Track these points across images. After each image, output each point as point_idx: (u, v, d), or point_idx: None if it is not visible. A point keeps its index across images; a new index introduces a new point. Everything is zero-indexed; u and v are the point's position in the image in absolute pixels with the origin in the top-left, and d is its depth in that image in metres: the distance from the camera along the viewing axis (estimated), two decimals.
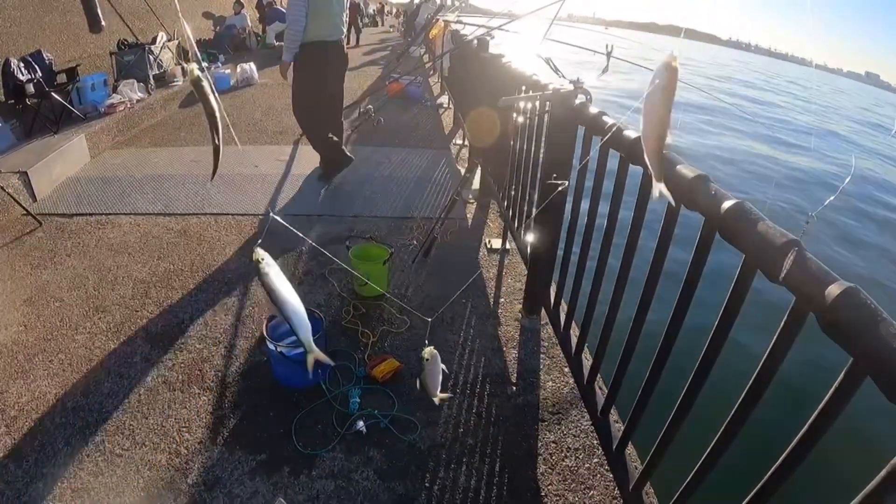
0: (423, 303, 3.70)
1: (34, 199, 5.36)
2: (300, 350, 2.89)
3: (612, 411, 2.44)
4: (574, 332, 2.89)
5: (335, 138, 5.56)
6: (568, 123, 2.78)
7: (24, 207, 4.93)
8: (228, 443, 2.80)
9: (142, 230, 4.81)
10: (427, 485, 2.55)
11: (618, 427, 2.42)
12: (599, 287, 2.49)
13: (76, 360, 3.38)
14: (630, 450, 2.33)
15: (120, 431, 2.91)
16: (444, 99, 8.02)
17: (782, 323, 1.29)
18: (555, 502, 2.45)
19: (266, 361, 3.25)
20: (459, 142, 6.33)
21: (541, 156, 3.26)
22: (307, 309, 3.11)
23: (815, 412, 1.19)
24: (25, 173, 5.32)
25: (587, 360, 2.72)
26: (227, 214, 4.97)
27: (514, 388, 3.02)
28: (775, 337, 1.31)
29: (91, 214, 5.11)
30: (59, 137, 6.22)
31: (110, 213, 5.14)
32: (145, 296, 3.91)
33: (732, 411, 1.47)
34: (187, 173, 5.95)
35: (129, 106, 7.45)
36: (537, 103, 3.27)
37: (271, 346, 2.96)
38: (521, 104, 3.60)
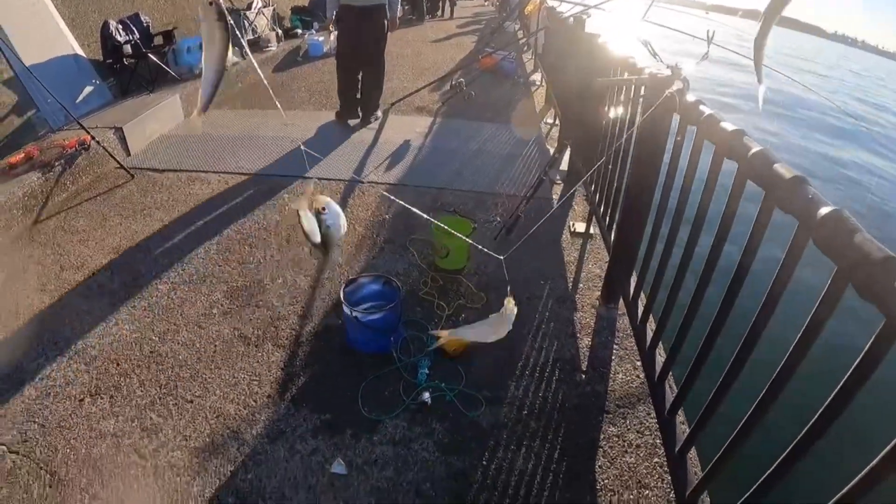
0: (502, 281, 3.68)
1: (128, 153, 5.66)
2: (376, 317, 2.94)
3: (679, 412, 2.38)
4: (650, 326, 2.82)
5: (361, 96, 6.27)
6: (662, 110, 2.69)
7: (118, 161, 5.22)
8: (296, 400, 2.91)
9: (230, 188, 5.00)
10: (484, 463, 2.57)
11: (683, 429, 2.36)
12: (681, 283, 2.41)
13: (157, 307, 3.57)
14: (693, 454, 2.27)
15: (193, 379, 3.06)
16: (537, 76, 7.89)
17: (870, 341, 1.22)
18: (609, 497, 2.43)
19: (340, 325, 3.34)
20: (550, 121, 6.23)
21: (632, 142, 3.17)
22: (385, 276, 3.16)
23: None
24: (121, 129, 5.60)
25: (660, 356, 2.65)
26: (315, 178, 5.08)
27: (584, 375, 2.99)
28: (861, 356, 1.24)
29: (181, 171, 5.35)
30: (154, 97, 6.51)
31: (200, 171, 5.36)
32: (228, 251, 4.07)
33: (805, 430, 1.41)
34: (277, 135, 6.10)
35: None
36: (633, 87, 3.18)
37: (346, 310, 3.02)
38: (616, 87, 3.51)
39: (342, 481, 2.51)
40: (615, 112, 3.58)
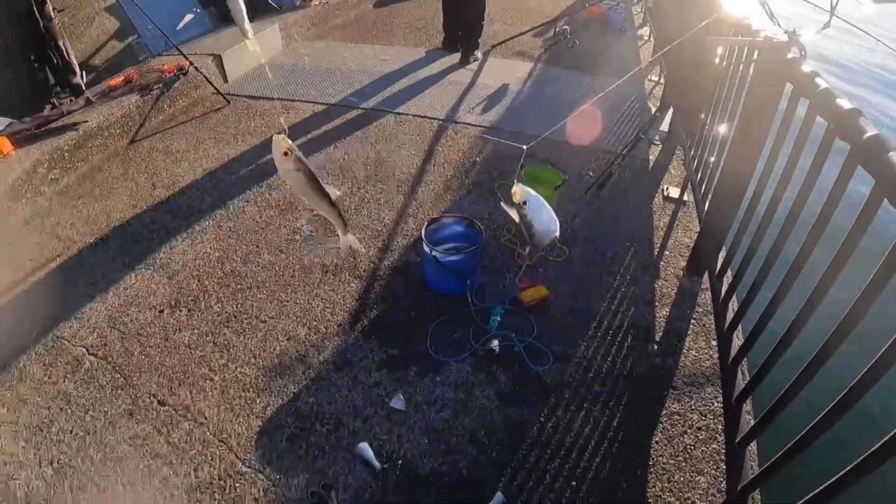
0: (586, 237, 3.62)
1: (225, 80, 5.77)
2: (455, 258, 2.95)
3: (747, 402, 2.30)
4: (732, 306, 2.72)
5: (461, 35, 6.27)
6: (775, 78, 2.50)
7: (214, 87, 5.35)
8: (366, 331, 2.98)
9: (322, 119, 5.06)
10: (542, 419, 2.57)
11: (748, 420, 2.28)
12: (771, 267, 2.28)
13: (242, 229, 3.71)
14: (752, 448, 2.21)
15: (269, 300, 3.18)
16: (646, 31, 7.52)
17: None
18: (659, 475, 2.39)
19: (419, 263, 3.36)
20: (655, 78, 5.97)
21: (738, 109, 3.00)
22: (468, 219, 3.11)
23: None
24: (219, 56, 5.71)
25: (737, 340, 2.56)
26: (408, 115, 5.06)
27: (656, 346, 2.92)
28: None
29: (276, 99, 5.43)
30: (254, 25, 6.53)
31: (294, 100, 5.43)
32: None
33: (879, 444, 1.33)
34: (373, 70, 6.08)
35: (324, 1, 7.62)
36: (745, 50, 2.99)
37: (426, 249, 3.04)
38: (727, 48, 3.31)
39: (399, 416, 2.58)
40: (723, 75, 3.38)
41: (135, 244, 3.64)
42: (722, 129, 3.25)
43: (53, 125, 4.48)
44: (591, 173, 4.23)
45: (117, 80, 5.14)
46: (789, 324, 1.91)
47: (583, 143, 4.69)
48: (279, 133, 1.85)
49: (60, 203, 4.10)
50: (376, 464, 2.40)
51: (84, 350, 3.00)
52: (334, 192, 2.06)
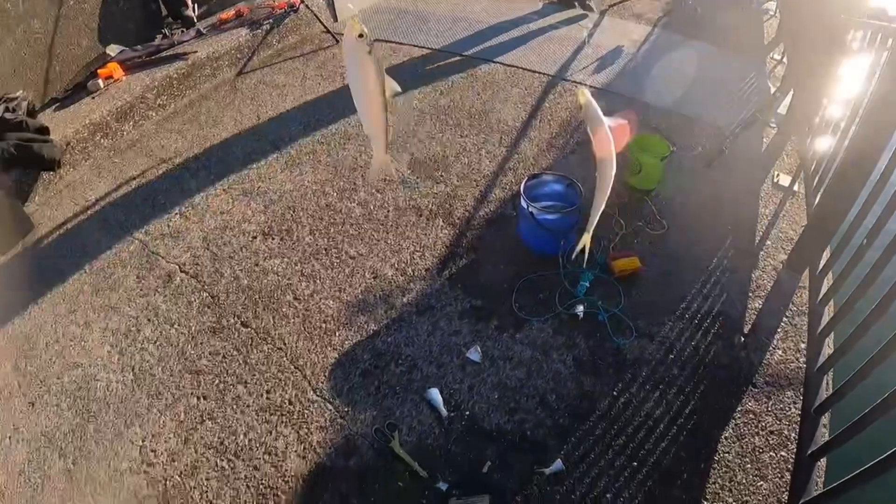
0: (688, 214, 3.50)
1: (335, 19, 5.76)
2: (552, 217, 2.95)
3: (827, 414, 2.22)
4: (829, 310, 2.61)
5: None
6: None
7: (324, 25, 5.38)
8: (452, 279, 3.03)
9: (430, 63, 5.04)
10: (615, 394, 2.57)
11: (823, 433, 2.20)
12: (878, 275, 2.16)
13: (339, 164, 3.81)
14: (822, 464, 2.14)
15: (360, 238, 3.28)
16: (772, 5, 7.04)
17: None
18: (722, 471, 2.35)
19: (514, 217, 3.37)
20: (777, 56, 5.63)
21: (865, 100, 2.81)
22: (569, 178, 3.10)
23: None
24: None
25: (828, 348, 2.46)
26: (518, 67, 4.97)
27: (742, 339, 2.82)
28: None
29: (385, 41, 5.41)
30: None
31: (403, 43, 5.40)
32: (420, 124, 4.19)
33: None
34: (485, 18, 5.91)
35: None
36: (879, 36, 2.78)
37: (524, 204, 3.02)
38: (860, 31, 3.09)
39: (473, 368, 2.64)
40: (853, 61, 3.17)
41: (235, 171, 3.80)
42: (844, 119, 3.07)
43: (164, 54, 4.70)
44: (700, 149, 4.07)
45: (228, 13, 5.30)
46: (886, 341, 1.82)
47: (694, 116, 4.51)
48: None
49: (166, 128, 4.33)
50: (444, 411, 2.47)
51: (177, 267, 3.20)
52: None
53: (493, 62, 5.04)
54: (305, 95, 4.57)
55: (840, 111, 3.15)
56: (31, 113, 3.99)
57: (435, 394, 2.50)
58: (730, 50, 5.56)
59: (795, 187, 3.75)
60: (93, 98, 4.26)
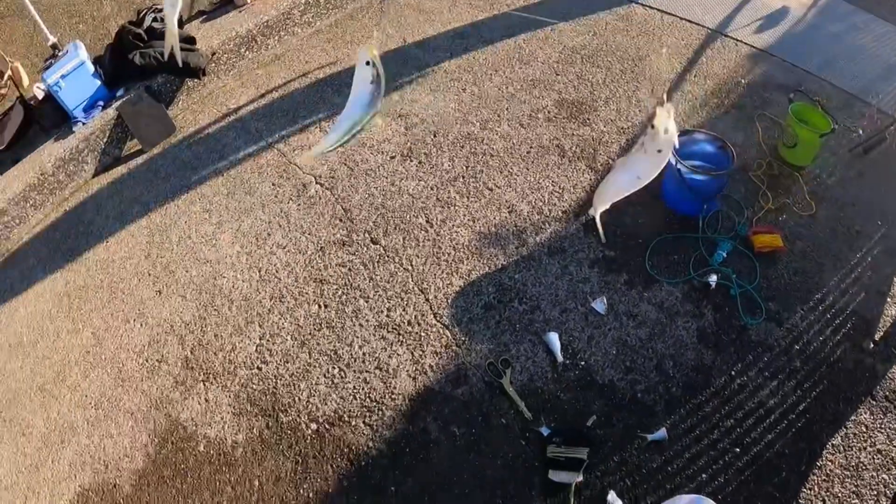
0: (838, 199, 3.29)
1: None
2: (701, 178, 2.89)
3: None
4: None
5: None
6: None
7: None
8: (588, 225, 3.01)
9: (585, 3, 4.73)
10: (732, 374, 2.54)
11: None
12: None
13: (486, 95, 3.78)
14: None
15: (499, 170, 3.29)
16: None
17: None
18: (822, 479, 2.30)
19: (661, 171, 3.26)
20: None
21: None
22: (722, 140, 3.04)
23: None
24: None
25: None
26: (674, 16, 4.70)
27: (872, 345, 2.70)
28: None
29: None
30: None
31: None
32: (569, 63, 4.06)
33: None
34: None
35: None
36: None
37: (672, 160, 2.90)
38: None
39: (596, 319, 2.67)
40: None
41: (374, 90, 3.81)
42: None
43: None
44: (860, 131, 3.81)
45: None
46: None
47: (860, 95, 4.21)
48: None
49: (311, 45, 4.36)
50: (560, 357, 2.52)
51: (312, 179, 3.31)
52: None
53: (649, 7, 4.79)
54: (453, 22, 4.47)
55: None
56: (179, 23, 4.05)
57: (554, 338, 2.55)
58: None
59: None
60: (239, 12, 4.34)
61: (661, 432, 2.33)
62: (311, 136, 3.55)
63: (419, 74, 3.97)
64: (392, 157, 3.38)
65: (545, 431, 2.32)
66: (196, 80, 4.04)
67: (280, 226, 3.10)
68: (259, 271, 2.92)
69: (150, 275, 3.02)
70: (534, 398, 2.42)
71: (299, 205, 3.18)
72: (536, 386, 2.45)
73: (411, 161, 3.35)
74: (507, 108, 3.66)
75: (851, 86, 4.23)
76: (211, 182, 3.42)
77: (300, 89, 3.94)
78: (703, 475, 2.27)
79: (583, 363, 2.51)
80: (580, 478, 2.24)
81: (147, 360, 2.71)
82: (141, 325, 2.83)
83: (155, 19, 3.90)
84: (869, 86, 4.24)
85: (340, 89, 3.86)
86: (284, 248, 3.01)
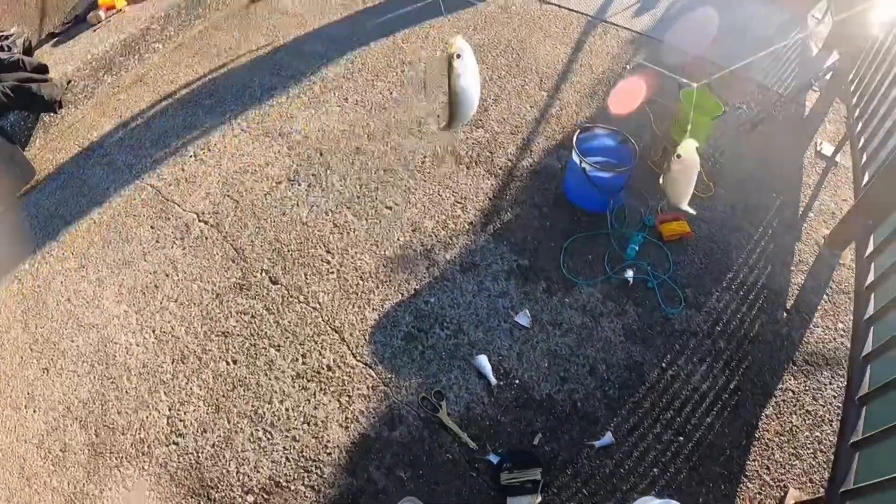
0: (733, 177, 3.46)
1: None
2: (606, 175, 2.89)
3: (871, 404, 2.25)
4: (875, 297, 2.63)
5: None
6: None
7: None
8: (497, 235, 2.98)
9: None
10: (663, 365, 2.59)
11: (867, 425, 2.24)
12: None
13: (370, 104, 3.66)
14: (865, 456, 2.16)
15: (395, 186, 3.18)
16: None
17: None
18: (762, 448, 2.40)
19: (560, 169, 3.30)
20: (818, 16, 5.50)
21: None
22: (623, 134, 3.05)
23: None
24: None
25: (871, 338, 2.48)
26: (553, 4, 4.77)
27: (785, 315, 2.85)
28: None
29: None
30: None
31: None
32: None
33: None
34: None
35: None
36: None
37: (575, 159, 2.94)
38: None
39: (522, 333, 2.63)
40: None
41: (253, 108, 3.65)
42: None
43: None
44: (744, 107, 4.00)
45: None
46: None
47: (740, 73, 4.39)
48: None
49: (175, 61, 4.12)
50: (493, 379, 2.47)
51: (195, 216, 3.08)
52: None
53: None
54: (326, 26, 4.36)
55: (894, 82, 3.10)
56: (28, 50, 3.77)
57: (483, 360, 2.50)
58: (772, 3, 5.42)
59: (838, 158, 3.72)
60: (94, 31, 4.03)
61: (608, 437, 2.34)
62: (187, 167, 3.30)
63: (296, 86, 3.81)
64: (278, 183, 3.21)
65: (494, 459, 2.27)
66: (53, 114, 3.69)
67: (167, 275, 2.86)
68: (153, 331, 2.68)
69: (32, 350, 2.71)
70: (475, 426, 2.36)
71: (185, 249, 2.95)
72: (475, 413, 2.39)
73: (299, 185, 3.20)
74: (394, 117, 3.57)
75: (731, 64, 4.39)
76: (83, 232, 3.11)
77: (168, 113, 3.69)
78: (655, 469, 2.30)
79: (517, 381, 2.48)
80: (539, 499, 2.21)
81: (49, 452, 2.43)
82: (34, 410, 2.53)
83: (1, 48, 3.53)
84: (748, 62, 4.42)
85: (211, 109, 3.66)
86: (176, 300, 2.78)
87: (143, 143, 3.51)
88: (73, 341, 2.69)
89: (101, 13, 4.07)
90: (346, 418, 2.38)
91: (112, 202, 3.21)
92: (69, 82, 3.74)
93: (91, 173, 3.40)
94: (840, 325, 2.85)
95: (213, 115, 3.61)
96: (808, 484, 2.33)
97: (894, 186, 2.75)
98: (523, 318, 2.65)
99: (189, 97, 3.79)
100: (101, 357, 2.62)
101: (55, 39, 4.04)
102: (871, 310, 2.58)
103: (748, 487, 2.30)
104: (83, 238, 3.09)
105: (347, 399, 2.43)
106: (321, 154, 3.35)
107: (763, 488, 2.30)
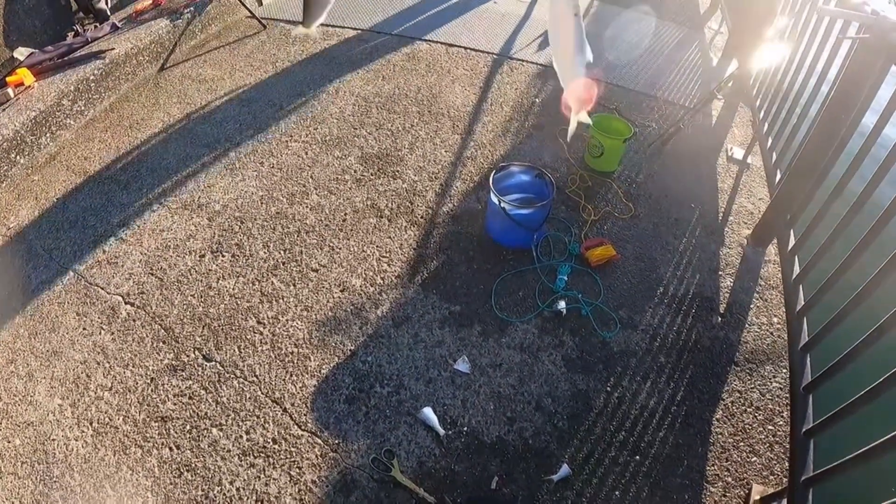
0: (651, 194, 3.60)
1: (260, 3, 5.63)
2: (526, 212, 2.95)
3: (817, 391, 2.33)
4: (803, 289, 2.74)
5: None
6: (876, 57, 2.43)
7: (249, 10, 5.23)
8: (426, 285, 3.00)
9: (369, 48, 4.94)
10: (608, 389, 2.63)
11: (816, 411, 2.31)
12: (860, 254, 2.25)
13: (286, 166, 3.68)
14: (821, 441, 2.21)
15: (319, 247, 3.19)
16: None
17: None
18: (719, 452, 2.46)
19: (481, 210, 3.37)
20: (715, 27, 5.80)
21: (825, 80, 2.95)
22: (538, 169, 3.14)
23: None
24: None
25: (805, 328, 2.58)
26: (459, 47, 4.94)
27: (720, 319, 2.96)
28: None
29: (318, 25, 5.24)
30: None
31: (337, 26, 5.27)
32: (365, 114, 4.10)
33: None
34: None
35: None
36: (838, 22, 2.88)
37: (494, 200, 3.00)
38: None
39: (463, 380, 2.63)
40: (804, 39, 3.29)
41: (170, 181, 3.62)
42: (802, 97, 3.20)
43: (78, 54, 4.41)
44: (653, 125, 4.17)
45: (144, 4, 5.05)
46: (881, 322, 1.88)
47: (645, 91, 4.60)
48: None
49: (87, 137, 4.07)
50: (440, 430, 2.46)
51: (120, 298, 3.01)
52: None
53: (435, 42, 4.99)
54: (237, 90, 4.40)
55: (795, 86, 3.27)
56: None
57: (429, 413, 2.49)
58: (668, 19, 5.68)
59: (749, 160, 3.90)
60: (3, 110, 3.94)
61: (564, 469, 2.34)
62: (108, 248, 3.22)
63: (211, 154, 3.81)
64: (202, 256, 3.16)
65: None
66: None
67: (98, 363, 2.76)
68: (90, 423, 2.58)
69: None
70: (430, 479, 2.33)
71: (113, 334, 2.86)
72: (428, 467, 2.36)
73: (223, 256, 3.16)
74: (311, 177, 3.59)
75: (636, 84, 4.62)
76: (7, 324, 2.97)
77: (84, 191, 3.61)
78: (617, 492, 2.31)
79: (465, 429, 2.47)
80: None
81: None
82: None
83: None
84: (651, 80, 4.64)
85: (128, 184, 3.60)
86: (111, 389, 2.67)
87: (62, 225, 3.42)
88: (9, 442, 2.57)
89: (10, 91, 4.00)
90: (299, 490, 2.33)
91: (34, 290, 3.08)
92: None
93: (10, 261, 3.27)
94: (775, 320, 2.96)
95: (129, 192, 3.56)
96: (771, 477, 2.39)
97: (806, 180, 2.89)
98: (462, 365, 2.66)
99: (105, 174, 3.73)
100: (41, 456, 2.51)
101: None
102: (801, 301, 2.68)
103: (711, 492, 2.33)
104: (8, 330, 2.95)
105: (298, 471, 2.37)
106: (242, 222, 3.33)
107: (727, 490, 2.35)
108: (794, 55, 3.39)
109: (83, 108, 4.22)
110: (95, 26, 4.70)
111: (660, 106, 4.39)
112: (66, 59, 4.33)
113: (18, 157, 3.83)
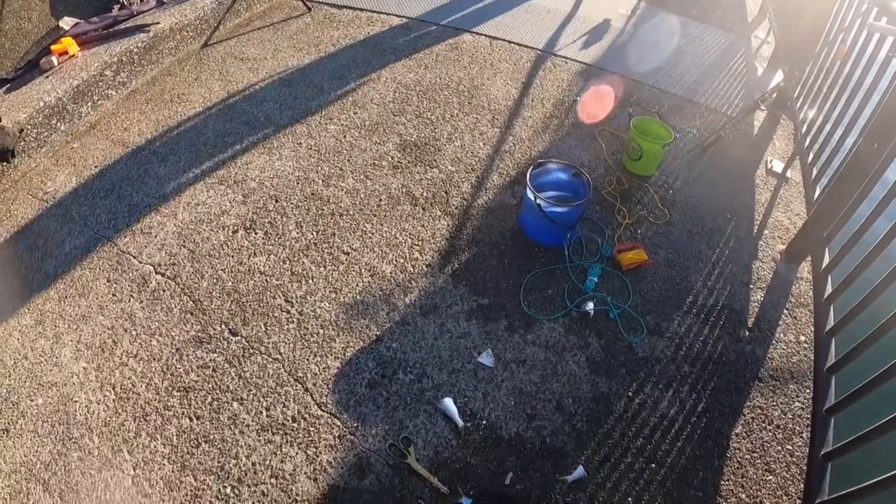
0: (687, 201, 3.57)
1: None
2: (561, 209, 2.95)
3: (839, 414, 2.32)
4: (834, 309, 2.71)
5: None
6: None
7: None
8: (456, 275, 3.02)
9: (413, 36, 4.94)
10: (630, 394, 2.63)
11: (836, 434, 2.30)
12: (891, 283, 2.24)
13: (324, 148, 3.71)
14: (838, 465, 2.22)
15: (352, 230, 3.22)
16: None
17: None
18: (735, 467, 2.44)
19: (515, 205, 3.38)
20: (762, 35, 5.71)
21: (874, 97, 2.90)
22: (576, 168, 3.13)
23: None
24: None
25: (833, 349, 2.56)
26: (503, 40, 4.92)
27: (747, 333, 2.93)
28: None
29: (361, 9, 5.28)
30: None
31: (381, 12, 5.27)
32: (406, 102, 4.11)
33: None
34: None
35: None
36: (888, 39, 2.84)
37: (530, 195, 3.00)
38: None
39: (487, 373, 2.65)
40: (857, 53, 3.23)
41: (207, 156, 3.67)
42: (850, 112, 3.15)
43: (122, 26, 4.46)
44: (694, 131, 4.13)
45: None
46: None
47: (687, 97, 4.56)
48: None
49: (128, 108, 4.13)
50: (459, 421, 2.48)
51: (151, 268, 3.06)
52: None
53: (479, 34, 4.98)
54: (279, 70, 4.43)
55: (844, 102, 3.23)
56: None
57: (449, 403, 2.51)
58: (714, 26, 5.61)
59: (789, 174, 3.85)
60: (46, 77, 4.00)
61: (579, 470, 2.35)
62: (142, 218, 3.28)
63: (249, 132, 3.84)
64: (234, 232, 3.21)
65: (466, 502, 2.27)
66: (5, 164, 3.64)
67: (126, 330, 2.82)
68: (113, 388, 2.64)
69: None
70: (445, 470, 2.36)
71: (142, 302, 2.92)
72: (444, 457, 2.39)
73: (256, 233, 3.20)
74: (348, 160, 3.62)
75: (679, 88, 4.58)
76: (37, 286, 3.04)
77: (122, 162, 3.67)
78: (629, 498, 2.31)
79: (484, 422, 2.49)
80: None
81: None
82: None
83: None
84: (694, 86, 4.60)
85: (166, 157, 3.66)
86: (136, 356, 2.73)
87: (98, 193, 3.49)
88: (32, 400, 2.64)
89: (54, 59, 4.06)
90: (314, 470, 2.37)
91: (67, 255, 3.15)
92: (22, 130, 3.71)
93: (45, 225, 3.35)
94: (802, 339, 2.93)
95: (167, 164, 3.62)
96: (784, 497, 2.37)
97: (845, 198, 2.85)
98: (486, 358, 2.68)
99: (143, 145, 3.79)
100: (62, 416, 2.57)
101: (7, 86, 4.02)
102: (831, 321, 2.66)
103: None
104: (38, 292, 3.03)
105: (314, 450, 2.41)
106: (276, 201, 3.37)
107: None
108: (841, 70, 3.34)
109: (125, 79, 4.27)
110: (141, 0, 4.74)
111: (702, 112, 4.34)
112: (110, 30, 4.39)
113: (59, 124, 3.90)
